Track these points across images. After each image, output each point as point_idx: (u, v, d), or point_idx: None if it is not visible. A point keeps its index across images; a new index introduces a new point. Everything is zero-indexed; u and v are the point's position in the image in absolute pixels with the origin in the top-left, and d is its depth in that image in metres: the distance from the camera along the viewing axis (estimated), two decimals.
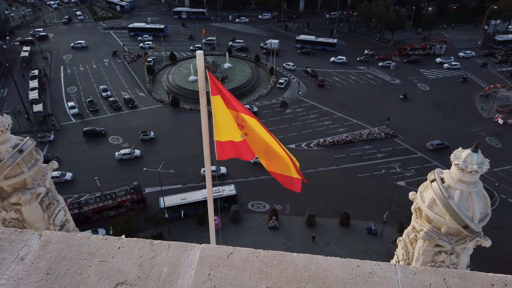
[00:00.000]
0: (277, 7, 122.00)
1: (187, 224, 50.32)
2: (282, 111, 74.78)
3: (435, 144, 63.50)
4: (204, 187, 49.94)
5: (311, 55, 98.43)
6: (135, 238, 4.16)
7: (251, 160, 9.12)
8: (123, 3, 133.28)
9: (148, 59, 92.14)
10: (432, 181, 9.06)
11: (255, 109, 73.63)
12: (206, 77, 7.52)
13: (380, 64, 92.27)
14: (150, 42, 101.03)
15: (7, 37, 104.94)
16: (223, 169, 57.65)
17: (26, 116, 70.95)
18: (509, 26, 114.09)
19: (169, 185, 54.53)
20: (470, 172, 8.35)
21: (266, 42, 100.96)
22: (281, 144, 8.41)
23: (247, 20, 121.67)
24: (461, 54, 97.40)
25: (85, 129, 67.97)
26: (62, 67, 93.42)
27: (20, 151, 9.26)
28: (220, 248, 4.00)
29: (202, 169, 55.59)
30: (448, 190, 8.76)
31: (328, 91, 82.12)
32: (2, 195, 9.60)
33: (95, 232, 47.54)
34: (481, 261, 37.13)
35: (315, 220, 50.11)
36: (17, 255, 3.91)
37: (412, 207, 9.94)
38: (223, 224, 48.77)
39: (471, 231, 8.80)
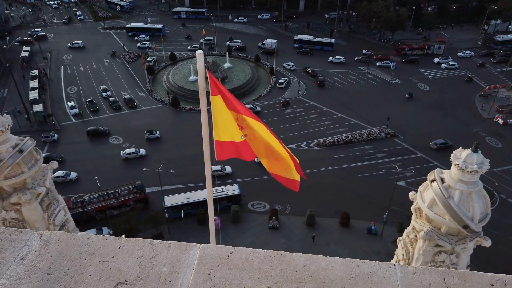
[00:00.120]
0: (277, 7, 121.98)
1: (187, 224, 50.33)
2: (282, 111, 74.80)
3: (439, 143, 63.53)
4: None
5: (309, 54, 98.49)
6: (135, 238, 4.16)
7: (255, 159, 9.14)
8: (123, 3, 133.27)
9: (148, 59, 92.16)
10: (432, 181, 9.07)
11: (258, 108, 73.76)
12: (206, 77, 7.53)
13: (378, 64, 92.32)
14: (148, 42, 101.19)
15: (7, 37, 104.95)
16: (228, 169, 57.71)
17: (26, 116, 70.96)
18: (509, 26, 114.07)
19: (169, 185, 54.56)
20: (470, 172, 8.36)
21: (264, 42, 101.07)
22: (282, 143, 8.42)
23: (245, 20, 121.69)
24: (460, 54, 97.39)
25: (89, 128, 68.18)
26: (62, 67, 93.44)
27: (20, 151, 9.27)
28: (220, 248, 4.01)
29: None
30: (448, 190, 8.76)
31: (328, 91, 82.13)
32: (2, 195, 9.60)
33: (99, 230, 47.75)
34: (481, 261, 37.13)
35: (315, 220, 50.12)
36: (17, 255, 3.92)
37: (412, 207, 9.94)
38: (223, 224, 48.79)
39: (471, 231, 8.81)
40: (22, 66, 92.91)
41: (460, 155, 8.66)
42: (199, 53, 7.28)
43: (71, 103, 77.10)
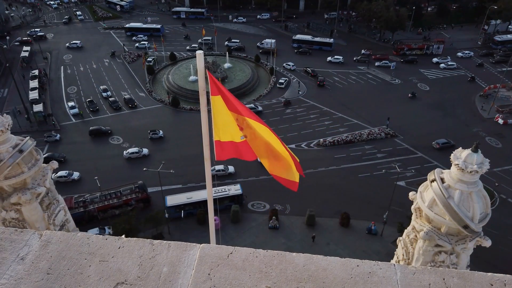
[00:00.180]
0: (277, 7, 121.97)
1: (187, 224, 50.35)
2: (283, 111, 74.81)
3: (441, 142, 63.55)
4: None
5: (308, 54, 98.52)
6: (135, 238, 4.17)
7: (258, 159, 9.03)
8: (123, 3, 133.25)
9: (148, 59, 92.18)
10: (432, 181, 9.07)
11: (260, 108, 73.86)
12: (206, 77, 7.53)
13: (376, 64, 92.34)
14: (146, 42, 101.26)
15: (7, 37, 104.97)
16: (231, 168, 57.75)
17: (26, 116, 70.97)
18: (509, 26, 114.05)
19: (170, 185, 54.58)
20: (470, 172, 8.36)
21: (263, 42, 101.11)
22: (283, 142, 8.42)
23: (244, 20, 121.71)
24: (459, 54, 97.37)
25: (91, 128, 68.29)
26: (62, 67, 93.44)
27: (20, 151, 9.27)
28: (220, 248, 4.01)
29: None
30: (448, 190, 8.76)
31: (328, 91, 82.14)
32: (2, 195, 9.61)
33: (102, 230, 47.87)
34: (481, 261, 37.13)
35: (315, 220, 50.11)
36: (17, 254, 3.92)
37: (412, 207, 9.95)
38: (223, 224, 48.81)
39: (471, 231, 8.81)
40: (22, 66, 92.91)
41: (460, 155, 8.66)
42: (199, 53, 7.28)
43: (71, 103, 77.11)
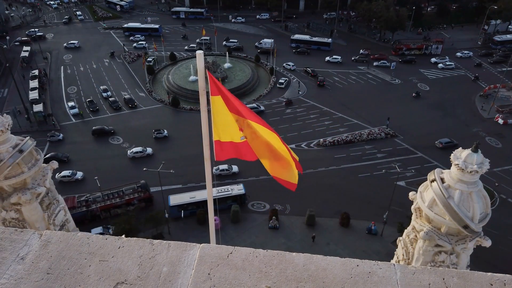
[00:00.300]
0: (277, 7, 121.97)
1: (187, 224, 50.37)
2: (283, 111, 74.83)
3: (444, 142, 63.56)
4: (215, 186, 49.93)
5: (306, 54, 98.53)
6: (135, 238, 4.17)
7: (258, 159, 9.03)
8: (123, 3, 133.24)
9: (148, 59, 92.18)
10: (432, 181, 9.07)
11: (262, 108, 73.96)
12: (206, 77, 7.53)
13: (375, 63, 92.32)
14: (144, 42, 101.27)
15: (7, 37, 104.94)
16: (235, 168, 57.76)
17: (26, 116, 70.97)
18: (509, 26, 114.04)
19: (170, 185, 54.59)
20: (470, 172, 8.36)
21: (261, 42, 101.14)
22: (283, 141, 8.42)
23: (243, 20, 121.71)
24: (458, 54, 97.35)
25: (94, 128, 68.33)
26: (62, 67, 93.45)
27: (20, 151, 9.27)
28: (219, 248, 4.01)
29: (214, 168, 55.99)
30: (448, 190, 8.76)
31: (328, 91, 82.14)
32: (2, 195, 9.61)
33: (106, 229, 47.92)
34: (481, 261, 37.12)
35: (315, 220, 50.11)
36: (17, 254, 3.92)
37: (412, 207, 9.95)
38: (223, 224, 48.82)
39: (471, 231, 8.81)
40: (22, 66, 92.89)
41: (460, 155, 8.66)
42: (199, 53, 7.28)
43: (71, 103, 77.11)
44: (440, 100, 78.44)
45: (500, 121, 70.52)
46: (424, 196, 9.37)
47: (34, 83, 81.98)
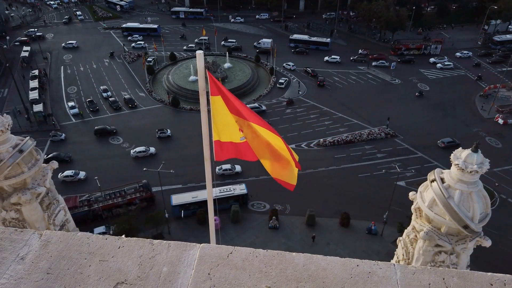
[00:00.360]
0: (277, 7, 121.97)
1: (187, 224, 50.37)
2: (283, 111, 74.84)
3: (446, 141, 63.57)
4: (214, 186, 50.18)
5: (305, 54, 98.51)
6: (135, 238, 4.17)
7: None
8: (122, 3, 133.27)
9: (148, 59, 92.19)
10: (432, 181, 9.07)
11: (263, 107, 74.07)
12: (206, 77, 7.53)
13: (373, 63, 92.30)
14: (142, 42, 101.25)
15: (7, 37, 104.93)
16: (238, 168, 57.80)
17: (26, 116, 70.96)
18: (509, 26, 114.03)
19: (170, 185, 54.59)
20: (470, 172, 8.36)
21: (260, 42, 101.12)
22: (284, 140, 8.42)
23: (242, 20, 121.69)
24: (458, 54, 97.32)
25: (96, 127, 68.33)
26: (62, 67, 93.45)
27: (20, 151, 9.27)
28: (219, 248, 4.01)
29: (217, 167, 56.00)
30: (448, 190, 8.76)
31: (328, 91, 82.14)
32: (2, 195, 9.61)
33: (108, 228, 48.04)
34: (481, 261, 37.12)
35: (315, 220, 50.11)
36: (17, 254, 3.92)
37: (412, 207, 9.95)
38: (223, 224, 48.82)
39: (471, 231, 8.81)
40: (22, 66, 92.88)
41: (460, 155, 8.66)
42: (199, 53, 7.27)
43: (71, 103, 77.12)
44: (440, 100, 78.44)
45: (500, 121, 70.52)
46: (424, 196, 9.37)
47: (34, 83, 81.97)
